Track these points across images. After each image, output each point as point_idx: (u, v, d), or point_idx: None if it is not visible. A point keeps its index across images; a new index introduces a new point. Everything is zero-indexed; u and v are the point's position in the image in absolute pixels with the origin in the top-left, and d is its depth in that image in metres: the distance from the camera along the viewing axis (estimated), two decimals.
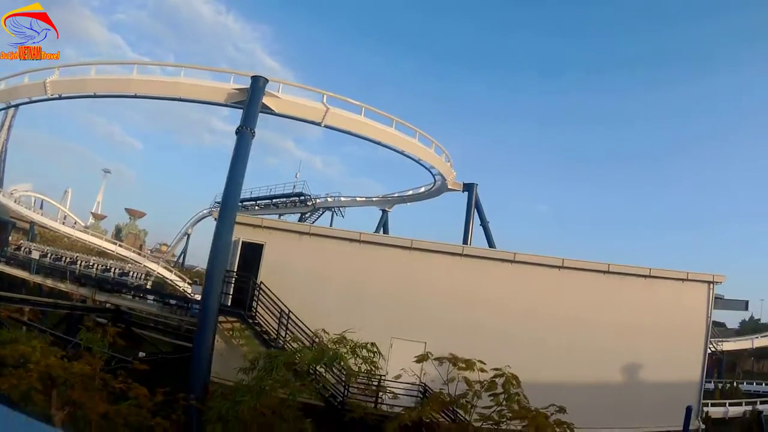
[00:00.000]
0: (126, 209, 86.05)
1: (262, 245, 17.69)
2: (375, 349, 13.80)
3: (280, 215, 36.56)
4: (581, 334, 18.05)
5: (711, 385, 42.05)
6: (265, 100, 18.97)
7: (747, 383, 47.10)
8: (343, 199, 38.69)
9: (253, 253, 17.76)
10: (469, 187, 33.03)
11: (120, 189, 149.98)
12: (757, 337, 50.12)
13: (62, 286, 36.18)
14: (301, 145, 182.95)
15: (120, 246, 52.20)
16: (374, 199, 39.14)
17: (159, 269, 46.23)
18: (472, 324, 17.43)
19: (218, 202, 38.15)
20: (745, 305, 27.22)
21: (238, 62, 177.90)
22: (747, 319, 76.98)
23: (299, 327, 16.56)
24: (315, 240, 17.88)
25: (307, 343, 15.77)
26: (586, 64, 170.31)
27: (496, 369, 12.70)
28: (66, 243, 57.39)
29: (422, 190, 34.16)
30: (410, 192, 35.47)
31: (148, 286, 42.58)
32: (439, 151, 27.13)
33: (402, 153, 24.77)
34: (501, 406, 12.33)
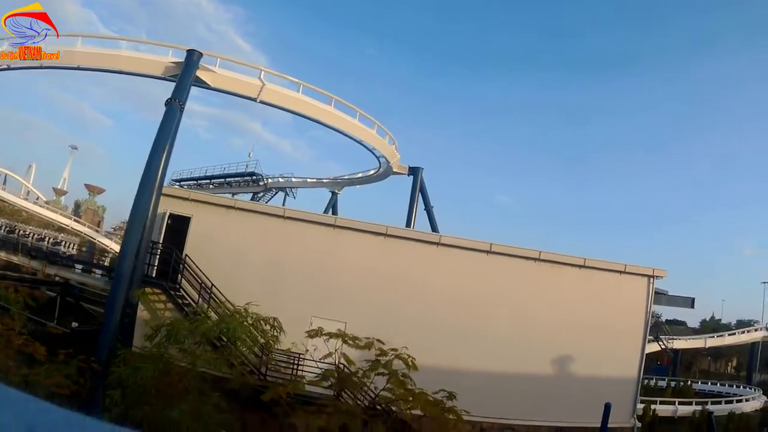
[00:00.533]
0: (85, 185, 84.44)
1: (189, 218, 17.66)
2: (276, 324, 13.87)
3: (233, 194, 36.34)
4: (510, 323, 18.24)
5: (664, 383, 42.99)
6: (202, 74, 18.97)
7: (702, 383, 47.27)
8: (294, 179, 38.85)
9: (180, 225, 17.72)
10: (414, 171, 33.26)
11: (88, 166, 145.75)
12: (711, 336, 50.47)
13: (15, 259, 35.93)
14: (268, 127, 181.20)
15: (76, 221, 51.45)
16: (324, 180, 39.48)
17: (113, 245, 45.68)
18: (395, 306, 17.61)
19: (174, 180, 38.50)
20: (691, 302, 27.62)
21: (210, 43, 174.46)
22: (708, 319, 79.94)
23: (221, 301, 16.62)
24: (241, 214, 17.89)
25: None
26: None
27: (393, 350, 12.83)
28: (24, 217, 56.79)
29: (371, 173, 34.46)
30: (360, 174, 35.76)
31: (105, 263, 42.25)
32: (382, 134, 27.20)
33: (342, 132, 24.85)
34: (390, 386, 12.52)
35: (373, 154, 29.04)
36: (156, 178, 16.26)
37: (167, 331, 13.23)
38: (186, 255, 17.20)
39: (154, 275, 17.32)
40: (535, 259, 18.63)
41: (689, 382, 45.02)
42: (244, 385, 14.52)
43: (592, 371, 18.74)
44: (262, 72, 20.41)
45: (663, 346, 40.89)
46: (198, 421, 11.43)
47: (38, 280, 33.38)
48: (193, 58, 18.32)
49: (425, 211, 33.78)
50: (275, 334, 14.04)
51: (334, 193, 38.94)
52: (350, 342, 12.86)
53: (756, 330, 49.62)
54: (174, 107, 17.18)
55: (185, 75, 17.93)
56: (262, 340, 14.26)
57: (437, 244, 18.12)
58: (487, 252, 18.30)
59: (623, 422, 19.05)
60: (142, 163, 17.05)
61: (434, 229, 32.65)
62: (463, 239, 18.42)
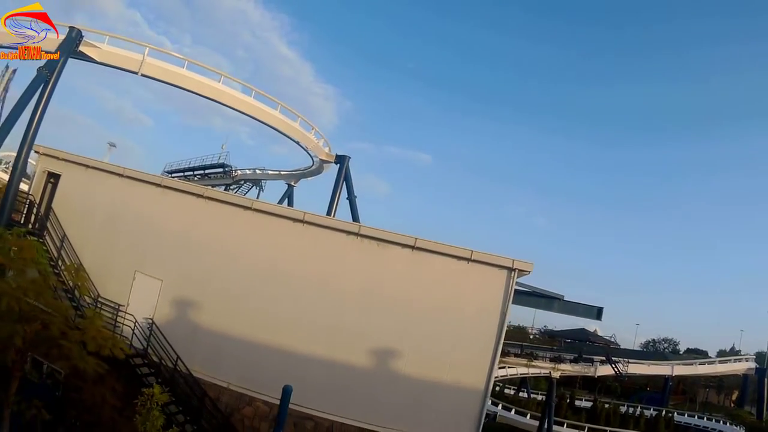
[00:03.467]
0: None
1: (59, 176, 19.75)
2: (84, 273, 14.81)
3: (213, 186, 39.94)
4: (325, 302, 16.24)
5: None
6: (88, 50, 20.95)
7: (689, 414, 46.80)
8: (258, 171, 40.65)
9: (53, 181, 19.96)
10: (341, 159, 33.24)
11: (127, 164, 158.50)
12: (679, 364, 46.91)
13: None
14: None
15: None
16: (282, 172, 40.41)
17: None
18: (207, 269, 17.15)
19: (166, 171, 42.66)
20: (596, 313, 19.43)
21: (254, 49, 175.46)
22: (728, 349, 79.67)
23: (72, 254, 18.29)
24: (94, 173, 19.19)
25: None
26: None
27: None
28: None
29: (313, 166, 35.36)
30: (314, 167, 35.85)
31: None
32: (294, 117, 27.65)
33: (235, 109, 25.35)
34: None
35: (288, 137, 29.30)
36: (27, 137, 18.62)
37: None
38: (52, 208, 19.36)
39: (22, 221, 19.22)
40: (356, 234, 16.05)
41: (673, 414, 44.16)
42: None
43: (425, 373, 15.56)
44: (147, 48, 21.96)
45: (616, 371, 35.03)
46: None
47: None
48: (72, 34, 20.20)
49: (347, 200, 33.43)
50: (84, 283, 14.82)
51: (290, 186, 39.95)
52: None
53: (737, 361, 45.54)
54: (42, 75, 19.26)
55: (63, 49, 19.84)
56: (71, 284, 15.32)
57: (250, 209, 16.89)
58: (302, 221, 16.41)
59: None
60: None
61: (355, 218, 31.83)
62: (278, 206, 16.84)
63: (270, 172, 41.88)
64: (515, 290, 16.57)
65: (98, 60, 21.22)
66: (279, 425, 11.86)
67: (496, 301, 15.30)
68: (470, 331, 15.46)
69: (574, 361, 31.90)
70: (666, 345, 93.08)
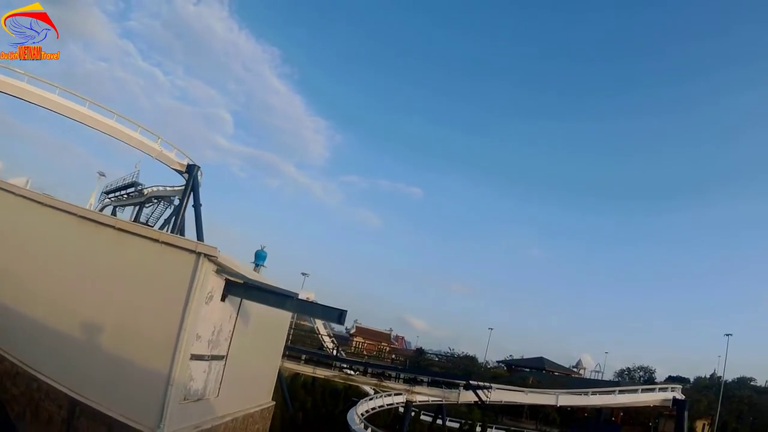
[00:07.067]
0: None
1: None
2: None
3: (136, 206, 41.39)
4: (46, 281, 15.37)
5: None
6: None
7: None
8: (168, 188, 41.34)
9: None
10: (191, 169, 34.00)
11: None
12: (567, 393, 37.50)
13: None
14: (302, 169, 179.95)
15: None
16: (177, 188, 40.73)
17: None
18: None
19: (104, 192, 44.71)
20: (338, 316, 16.54)
21: (246, 81, 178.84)
22: (708, 376, 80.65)
23: None
24: None
25: None
26: None
27: None
28: None
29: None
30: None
31: None
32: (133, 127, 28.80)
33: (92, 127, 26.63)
34: None
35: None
36: None
37: None
38: None
39: None
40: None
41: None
42: None
43: (121, 351, 14.41)
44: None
45: (479, 398, 31.15)
46: None
47: None
48: None
49: (192, 207, 34.37)
50: None
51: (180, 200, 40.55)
52: None
53: (662, 390, 37.52)
54: None
55: None
56: None
57: None
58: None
59: (146, 426, 14.20)
60: None
61: (199, 226, 33.18)
62: None
63: (169, 188, 41.96)
64: (246, 285, 15.58)
65: None
66: None
67: (183, 285, 14.22)
68: (156, 315, 14.37)
69: (431, 384, 29.19)
70: (642, 373, 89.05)
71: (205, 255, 14.10)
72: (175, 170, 33.11)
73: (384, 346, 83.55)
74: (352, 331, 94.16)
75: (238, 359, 17.47)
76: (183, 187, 36.04)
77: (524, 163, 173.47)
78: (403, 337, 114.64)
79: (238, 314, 16.78)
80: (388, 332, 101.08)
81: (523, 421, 57.74)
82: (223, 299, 15.55)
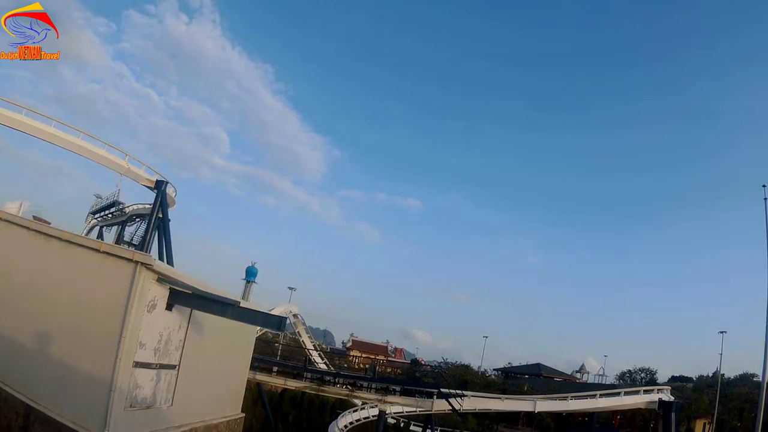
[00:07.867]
0: None
1: None
2: None
3: (119, 224, 41.71)
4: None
5: None
6: None
7: None
8: (139, 206, 42.23)
9: None
10: (159, 185, 35.01)
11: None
12: (546, 398, 35.26)
13: None
14: (299, 186, 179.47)
15: None
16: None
17: None
18: None
19: (91, 213, 45.26)
20: (278, 323, 16.04)
21: (240, 99, 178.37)
22: (710, 375, 79.88)
23: None
24: None
25: None
26: None
27: None
28: None
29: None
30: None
31: None
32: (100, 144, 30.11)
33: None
34: None
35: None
36: None
37: None
38: None
39: None
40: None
41: None
42: None
43: (69, 358, 14.56)
44: None
45: (452, 406, 29.41)
46: None
47: None
48: None
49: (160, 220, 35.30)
50: None
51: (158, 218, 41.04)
52: None
53: (647, 392, 35.50)
54: None
55: None
56: None
57: None
58: None
59: (92, 428, 14.36)
60: None
61: (167, 241, 34.38)
62: None
63: (149, 206, 42.34)
64: (191, 294, 15.75)
65: None
66: None
67: (123, 293, 14.44)
68: (99, 322, 14.54)
69: (403, 393, 28.75)
70: (643, 375, 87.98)
71: (143, 264, 14.28)
72: (146, 186, 33.46)
73: (380, 358, 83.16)
74: (349, 345, 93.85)
75: (194, 369, 17.44)
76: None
77: (521, 173, 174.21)
78: (402, 350, 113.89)
79: (189, 323, 16.85)
80: (385, 344, 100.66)
81: (520, 427, 57.42)
82: (169, 308, 15.67)
